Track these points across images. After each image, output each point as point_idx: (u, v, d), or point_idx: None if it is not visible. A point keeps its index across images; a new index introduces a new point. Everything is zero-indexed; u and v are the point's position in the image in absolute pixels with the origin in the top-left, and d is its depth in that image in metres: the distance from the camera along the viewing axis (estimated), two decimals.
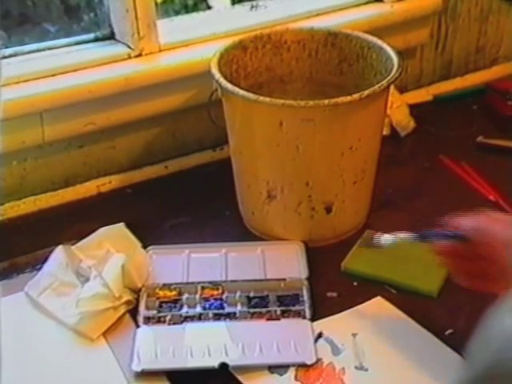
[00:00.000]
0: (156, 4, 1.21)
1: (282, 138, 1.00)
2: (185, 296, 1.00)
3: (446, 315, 0.96)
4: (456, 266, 0.85)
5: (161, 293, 1.00)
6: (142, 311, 0.97)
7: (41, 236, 1.11)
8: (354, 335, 0.93)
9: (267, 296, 1.00)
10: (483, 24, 1.53)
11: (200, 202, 1.19)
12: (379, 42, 1.11)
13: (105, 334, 0.94)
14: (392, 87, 1.14)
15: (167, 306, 0.99)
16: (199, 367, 0.89)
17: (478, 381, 0.37)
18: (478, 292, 0.82)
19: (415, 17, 1.39)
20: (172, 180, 1.26)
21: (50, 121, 1.14)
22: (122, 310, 0.97)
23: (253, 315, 0.97)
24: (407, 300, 0.98)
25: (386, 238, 0.91)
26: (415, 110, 1.41)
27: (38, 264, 1.04)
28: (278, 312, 0.97)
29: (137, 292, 0.99)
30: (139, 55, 1.19)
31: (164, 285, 1.01)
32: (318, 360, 0.90)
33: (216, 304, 0.98)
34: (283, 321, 0.96)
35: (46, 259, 1.03)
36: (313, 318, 0.96)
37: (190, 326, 0.95)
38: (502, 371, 0.36)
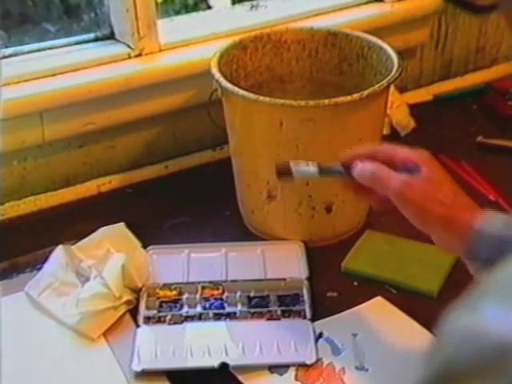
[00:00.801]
0: (156, 4, 1.21)
1: (281, 138, 1.00)
2: (185, 296, 1.00)
3: None
4: (365, 196, 0.85)
5: (161, 293, 1.00)
6: (142, 311, 0.97)
7: (41, 236, 1.11)
8: (355, 335, 0.93)
9: (267, 296, 1.00)
10: (483, 24, 1.53)
11: (200, 202, 1.19)
12: (379, 41, 1.11)
13: (105, 333, 0.94)
14: (392, 87, 1.14)
15: (167, 305, 0.99)
16: (199, 367, 0.89)
17: (434, 382, 0.37)
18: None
19: (415, 17, 1.39)
20: (172, 180, 1.26)
21: (50, 120, 1.14)
22: (122, 309, 0.97)
23: (253, 315, 0.97)
24: (407, 300, 0.98)
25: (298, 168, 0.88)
26: (415, 109, 1.41)
27: (38, 264, 1.04)
28: (279, 312, 0.97)
29: (137, 292, 0.99)
30: (139, 55, 1.19)
31: (164, 285, 1.01)
32: (318, 360, 0.90)
33: (216, 304, 0.98)
34: (283, 321, 0.96)
35: (46, 259, 1.03)
36: (313, 318, 0.96)
37: (190, 326, 0.95)
38: (457, 372, 0.36)
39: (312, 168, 0.87)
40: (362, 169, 0.81)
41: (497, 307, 0.36)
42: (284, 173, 0.88)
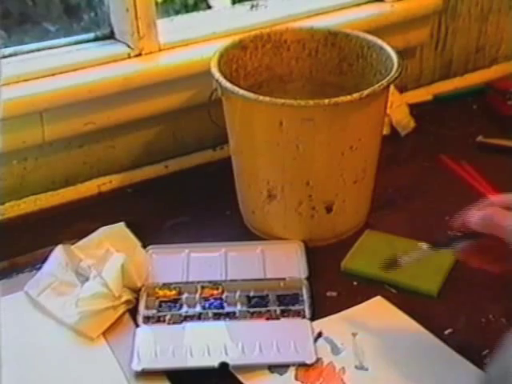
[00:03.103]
0: (156, 3, 1.21)
1: (282, 138, 1.00)
2: (184, 295, 1.00)
3: (446, 315, 0.96)
4: (480, 262, 0.85)
5: (160, 292, 1.00)
6: (142, 311, 0.97)
7: (41, 235, 1.11)
8: (354, 335, 0.93)
9: (267, 295, 1.00)
10: (483, 24, 1.53)
11: (200, 202, 1.19)
12: (379, 41, 1.11)
13: (104, 333, 0.94)
14: (392, 87, 1.15)
15: (167, 305, 0.99)
16: (199, 367, 0.89)
17: None
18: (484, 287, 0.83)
19: (415, 16, 1.39)
20: (172, 179, 1.26)
21: (50, 120, 1.14)
22: (122, 309, 0.97)
23: (252, 315, 0.97)
24: (407, 300, 0.98)
25: (406, 260, 0.89)
26: (415, 109, 1.41)
27: (37, 263, 1.04)
28: (278, 311, 0.97)
29: (136, 291, 0.99)
30: (139, 55, 1.19)
31: (164, 284, 1.01)
32: (318, 359, 0.90)
33: (216, 303, 0.98)
34: (283, 320, 0.96)
35: (45, 259, 1.03)
36: (312, 318, 0.96)
37: (189, 326, 0.95)
38: None
39: (424, 249, 0.87)
40: (478, 216, 0.80)
41: None
42: (391, 265, 0.90)
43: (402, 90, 1.44)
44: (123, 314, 0.97)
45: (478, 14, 1.51)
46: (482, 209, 0.82)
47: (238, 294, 0.99)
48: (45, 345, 0.94)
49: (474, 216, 0.81)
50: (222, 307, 0.98)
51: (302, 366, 0.89)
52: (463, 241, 0.84)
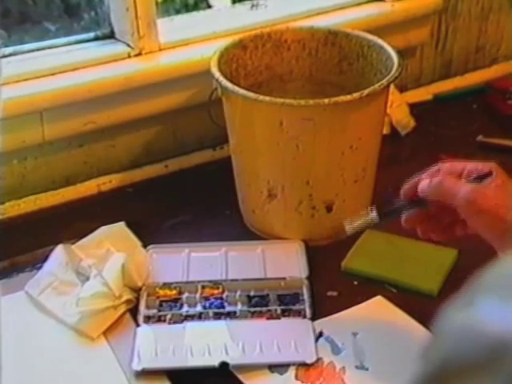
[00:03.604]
0: (156, 3, 1.21)
1: (282, 137, 1.00)
2: (185, 295, 1.00)
3: None
4: (424, 229, 0.86)
5: (161, 292, 1.00)
6: (142, 310, 0.97)
7: (41, 235, 1.11)
8: (355, 334, 0.93)
9: (267, 295, 1.00)
10: (483, 23, 1.53)
11: (200, 201, 1.19)
12: (379, 41, 1.11)
13: (105, 333, 0.94)
14: (392, 86, 1.14)
15: (167, 305, 0.99)
16: (199, 366, 0.89)
17: (431, 380, 0.37)
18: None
19: (416, 16, 1.39)
20: (172, 179, 1.26)
21: (50, 120, 1.14)
22: (122, 309, 0.97)
23: (253, 314, 0.97)
24: (407, 299, 0.98)
25: (350, 228, 0.90)
26: (415, 109, 1.40)
27: (38, 263, 1.04)
28: (279, 311, 0.97)
29: (137, 291, 0.99)
30: (139, 54, 1.19)
31: (164, 284, 1.01)
32: (319, 359, 0.90)
33: (216, 303, 0.98)
34: (283, 320, 0.96)
35: (46, 258, 1.03)
36: (313, 317, 0.96)
37: (190, 325, 0.95)
38: (454, 369, 0.36)
39: (370, 215, 0.88)
40: (427, 183, 0.80)
41: (493, 303, 0.36)
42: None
43: (402, 89, 1.44)
44: (124, 313, 0.97)
45: (479, 14, 1.51)
46: (430, 175, 0.81)
47: (238, 293, 0.99)
48: (45, 344, 0.94)
49: (424, 183, 0.81)
50: (223, 307, 0.98)
51: (303, 365, 0.89)
52: (410, 209, 0.84)
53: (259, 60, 1.15)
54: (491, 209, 0.75)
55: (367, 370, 0.89)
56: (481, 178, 0.78)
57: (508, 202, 0.75)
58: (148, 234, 1.08)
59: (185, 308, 0.98)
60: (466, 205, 0.76)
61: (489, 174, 0.78)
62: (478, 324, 0.35)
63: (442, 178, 0.79)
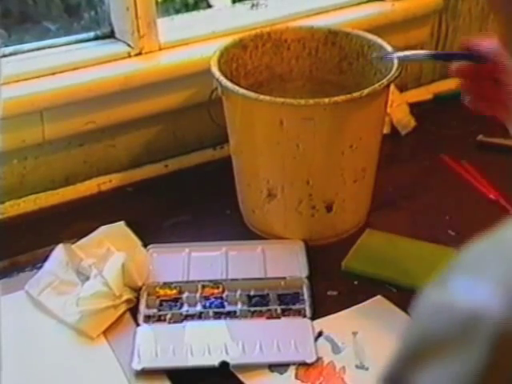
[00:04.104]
0: (156, 2, 1.21)
1: (282, 137, 1.00)
2: (185, 295, 1.00)
3: None
4: (468, 85, 0.84)
5: (161, 291, 1.00)
6: (143, 310, 0.97)
7: (41, 234, 1.11)
8: (355, 334, 0.93)
9: (267, 295, 1.00)
10: (484, 23, 1.53)
11: (200, 201, 1.19)
12: (379, 40, 1.10)
13: (105, 332, 0.94)
14: (392, 86, 1.14)
15: (167, 304, 0.99)
16: (199, 366, 0.89)
17: (411, 357, 0.38)
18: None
19: (416, 15, 1.38)
20: (172, 179, 1.26)
21: (50, 119, 1.14)
22: (123, 308, 0.97)
23: (253, 314, 0.97)
24: (407, 299, 0.98)
25: (398, 54, 0.90)
26: (415, 108, 1.40)
27: (38, 263, 1.04)
28: (279, 311, 0.97)
29: (137, 291, 0.99)
30: (139, 54, 1.19)
31: (164, 283, 1.01)
32: (319, 359, 0.90)
33: (216, 303, 0.98)
34: (283, 319, 0.96)
35: (46, 258, 1.03)
36: (313, 317, 0.96)
37: (190, 325, 0.95)
38: (430, 344, 0.37)
39: (423, 52, 0.85)
40: (488, 41, 0.79)
41: (464, 282, 0.37)
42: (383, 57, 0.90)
43: (402, 89, 1.44)
44: (124, 313, 0.97)
45: (479, 13, 1.51)
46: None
47: (238, 293, 0.99)
48: (45, 344, 0.94)
49: (486, 41, 0.80)
50: (223, 306, 0.98)
51: (303, 365, 0.89)
52: (463, 60, 0.83)
53: (259, 60, 1.15)
54: None
55: (367, 369, 0.89)
56: None
57: None
58: (148, 234, 1.08)
59: (185, 307, 0.98)
60: None
61: None
62: (450, 301, 0.37)
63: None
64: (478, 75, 0.82)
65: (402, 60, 0.92)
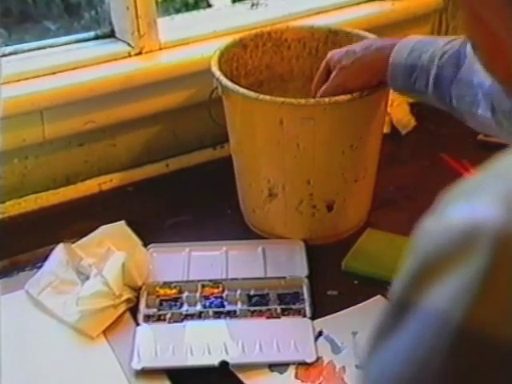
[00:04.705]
0: (156, 2, 1.21)
1: (282, 137, 1.00)
2: (185, 294, 1.00)
3: None
4: None
5: (161, 291, 1.00)
6: (142, 309, 0.97)
7: (41, 234, 1.11)
8: (355, 334, 0.93)
9: (267, 294, 1.00)
10: None
11: (201, 201, 1.19)
12: None
13: (105, 332, 0.94)
14: None
15: (167, 304, 0.99)
16: (199, 365, 0.89)
17: (415, 277, 0.39)
18: None
19: (416, 15, 1.38)
20: (173, 178, 1.26)
21: (50, 119, 1.14)
22: (122, 308, 0.97)
23: (253, 313, 0.97)
24: None
25: None
26: (416, 108, 1.40)
27: (38, 262, 1.04)
28: (279, 310, 0.97)
29: (137, 290, 0.99)
30: (139, 53, 1.19)
31: (164, 283, 1.01)
32: (319, 358, 0.90)
33: (216, 302, 0.98)
34: (283, 319, 0.96)
35: (46, 257, 1.03)
36: (313, 317, 0.96)
37: (190, 324, 0.95)
38: (432, 265, 0.38)
39: None
40: None
41: (460, 206, 0.38)
42: None
43: None
44: (124, 312, 0.97)
45: None
46: None
47: (238, 292, 0.99)
48: (45, 343, 0.94)
49: None
50: (223, 306, 0.98)
51: (303, 364, 0.89)
52: None
53: (259, 59, 1.15)
54: None
55: None
56: None
57: None
58: (148, 233, 1.08)
59: (185, 307, 0.98)
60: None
61: None
62: (449, 221, 0.38)
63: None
64: None
65: None
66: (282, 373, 0.88)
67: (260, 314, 0.97)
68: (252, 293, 1.00)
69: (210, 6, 2.04)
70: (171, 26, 1.25)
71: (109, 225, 1.06)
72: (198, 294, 0.99)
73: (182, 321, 0.96)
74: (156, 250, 1.07)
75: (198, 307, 0.98)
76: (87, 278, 0.99)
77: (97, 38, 1.21)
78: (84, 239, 1.05)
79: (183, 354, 0.90)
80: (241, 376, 0.88)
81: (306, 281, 1.01)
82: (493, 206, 0.36)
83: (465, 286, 0.36)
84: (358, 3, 1.37)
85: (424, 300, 0.37)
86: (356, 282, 1.02)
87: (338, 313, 0.97)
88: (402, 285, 0.39)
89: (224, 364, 0.89)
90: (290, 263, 1.05)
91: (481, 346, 0.35)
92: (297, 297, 0.99)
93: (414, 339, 0.37)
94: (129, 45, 1.19)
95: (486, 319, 0.35)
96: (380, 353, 0.39)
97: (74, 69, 1.15)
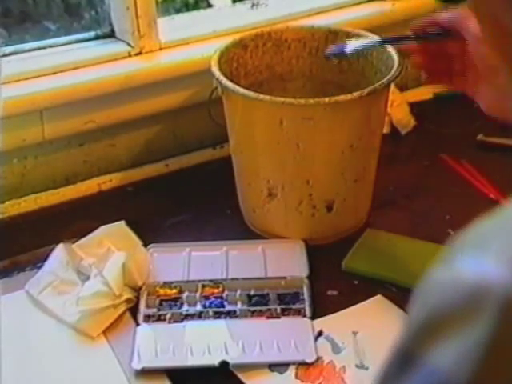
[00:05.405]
0: (157, 2, 1.21)
1: (282, 137, 1.00)
2: (185, 294, 1.00)
3: None
4: (421, 63, 0.89)
5: (161, 291, 1.00)
6: (143, 309, 0.97)
7: (41, 234, 1.11)
8: (355, 333, 0.93)
9: (267, 294, 1.00)
10: None
11: (201, 201, 1.19)
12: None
13: (105, 332, 0.94)
14: (392, 85, 1.14)
15: (167, 304, 0.99)
16: (199, 365, 0.89)
17: (420, 331, 0.39)
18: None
19: (416, 15, 1.37)
20: (172, 178, 1.26)
21: (50, 119, 1.14)
22: (123, 308, 0.97)
23: (253, 313, 0.97)
24: (407, 298, 0.98)
25: (348, 47, 0.92)
26: (416, 108, 1.40)
27: (38, 262, 1.04)
28: (279, 310, 0.97)
29: (137, 290, 0.99)
30: (139, 53, 1.19)
31: (164, 283, 1.01)
32: (319, 358, 0.90)
33: (216, 302, 0.98)
34: (283, 319, 0.96)
35: (46, 257, 1.03)
36: (313, 317, 0.96)
37: (190, 324, 0.95)
38: (438, 319, 0.38)
39: (372, 39, 0.89)
40: (450, 13, 0.83)
41: (469, 257, 0.38)
42: (335, 54, 0.92)
43: (402, 88, 1.43)
44: (124, 312, 0.97)
45: None
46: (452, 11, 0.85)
47: (238, 292, 0.99)
48: (45, 343, 0.94)
49: (444, 13, 0.84)
50: (223, 306, 0.98)
51: (303, 364, 0.89)
52: (415, 41, 0.86)
53: (259, 59, 1.15)
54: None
55: (367, 369, 0.89)
56: None
57: None
58: (148, 233, 1.08)
59: (185, 307, 0.98)
60: (475, 35, 0.78)
61: None
62: (456, 276, 0.38)
63: (461, 10, 0.82)
64: (430, 52, 0.85)
65: (353, 53, 0.93)
66: (282, 373, 0.88)
67: (260, 313, 0.97)
68: (252, 293, 1.00)
69: (210, 5, 2.03)
70: (171, 26, 1.25)
71: (109, 225, 1.06)
72: (198, 294, 0.99)
73: (182, 321, 0.96)
74: (156, 250, 1.07)
75: (198, 307, 0.98)
76: (87, 278, 0.99)
77: (97, 38, 1.21)
78: (84, 239, 1.05)
79: (183, 354, 0.90)
80: (241, 376, 0.88)
81: (306, 281, 1.01)
82: (499, 264, 0.36)
83: (470, 348, 0.36)
84: (358, 3, 1.37)
85: (429, 355, 0.37)
86: (356, 281, 1.02)
87: (338, 313, 0.97)
88: (408, 334, 0.40)
89: (224, 364, 0.89)
90: (290, 263, 1.05)
91: None
92: (297, 297, 0.99)
93: None
94: (129, 45, 1.19)
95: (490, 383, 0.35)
96: None
97: (74, 69, 1.15)
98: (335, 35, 1.15)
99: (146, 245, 1.06)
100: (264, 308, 0.97)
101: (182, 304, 0.98)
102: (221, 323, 0.95)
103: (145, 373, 0.88)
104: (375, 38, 0.90)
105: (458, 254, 0.39)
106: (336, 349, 0.91)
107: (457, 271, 0.38)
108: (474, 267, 0.37)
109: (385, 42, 0.90)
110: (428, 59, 0.87)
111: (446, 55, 0.85)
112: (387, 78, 1.01)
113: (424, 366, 0.37)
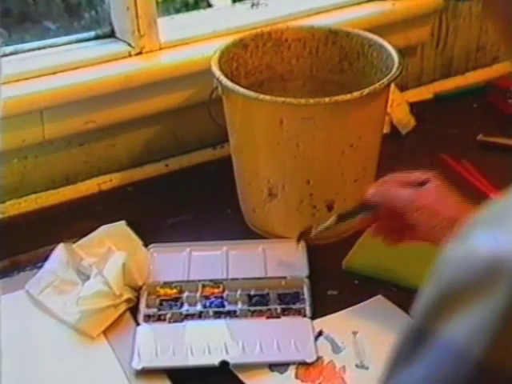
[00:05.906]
0: (157, 2, 1.21)
1: (282, 136, 1.00)
2: (185, 294, 1.00)
3: None
4: (379, 228, 0.95)
5: (161, 291, 1.00)
6: (143, 309, 0.97)
7: (42, 234, 1.11)
8: (355, 333, 0.93)
9: (268, 294, 1.00)
10: (484, 22, 1.53)
11: (201, 200, 1.19)
12: (380, 40, 1.11)
13: (105, 331, 0.94)
14: (392, 85, 1.14)
15: (168, 304, 0.99)
16: (199, 365, 0.89)
17: (436, 305, 0.39)
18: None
19: (416, 15, 1.38)
20: (173, 178, 1.26)
21: (50, 119, 1.14)
22: (123, 308, 0.97)
23: (253, 313, 0.97)
24: (408, 298, 0.98)
25: (314, 231, 1.00)
26: (416, 108, 1.40)
27: (38, 262, 1.04)
28: (279, 310, 0.97)
29: (137, 290, 1.00)
30: (139, 53, 1.19)
31: (165, 283, 1.01)
32: (319, 358, 0.90)
33: (216, 302, 0.98)
34: (283, 319, 0.96)
35: (46, 257, 1.03)
36: (313, 316, 0.96)
37: (190, 324, 0.95)
38: (454, 294, 0.38)
39: (330, 220, 0.97)
40: (375, 190, 0.91)
41: (484, 233, 0.39)
42: (304, 235, 1.01)
43: (402, 88, 1.44)
44: (124, 312, 0.97)
45: (479, 13, 1.51)
46: (378, 184, 0.93)
47: (238, 292, 0.99)
48: (45, 343, 0.94)
49: (371, 190, 0.91)
50: (223, 306, 0.98)
51: (303, 364, 0.89)
52: (364, 212, 0.94)
53: (260, 59, 1.15)
54: (429, 204, 0.87)
55: (367, 368, 0.89)
56: (420, 184, 0.90)
57: (442, 199, 0.87)
58: (149, 233, 1.08)
59: (185, 307, 0.98)
60: (409, 204, 0.87)
61: (427, 181, 0.90)
62: (472, 250, 0.38)
63: (388, 186, 0.91)
64: (385, 217, 0.92)
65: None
66: (282, 373, 0.88)
67: (260, 313, 0.97)
68: (252, 293, 1.00)
69: (210, 5, 2.04)
70: (171, 26, 1.25)
71: (109, 225, 1.06)
72: (198, 294, 0.99)
73: (182, 321, 0.96)
74: (156, 250, 1.07)
75: (199, 307, 0.98)
76: (88, 277, 0.99)
77: (97, 37, 1.21)
78: (84, 239, 1.05)
79: (183, 354, 0.90)
80: (241, 376, 0.88)
81: (306, 281, 1.01)
82: None
83: (485, 320, 0.36)
84: (358, 3, 1.37)
85: (443, 330, 0.38)
86: (356, 281, 1.02)
87: (338, 313, 0.97)
88: (422, 311, 0.40)
89: (224, 364, 0.89)
90: (290, 263, 1.05)
91: (499, 381, 0.35)
92: (297, 297, 0.99)
93: (431, 370, 0.38)
94: (129, 45, 1.19)
95: (505, 355, 0.36)
96: (397, 379, 0.39)
97: (74, 69, 1.15)
98: (335, 35, 1.15)
99: (146, 245, 1.06)
100: (264, 308, 0.97)
101: (182, 304, 0.98)
102: (221, 323, 0.95)
103: (145, 373, 0.88)
104: (331, 219, 0.98)
105: (471, 231, 0.39)
106: (336, 349, 0.91)
107: (471, 247, 0.38)
108: (488, 243, 0.38)
109: (340, 219, 0.98)
110: (384, 223, 0.93)
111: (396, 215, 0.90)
112: (387, 77, 1.01)
113: (438, 341, 0.38)
